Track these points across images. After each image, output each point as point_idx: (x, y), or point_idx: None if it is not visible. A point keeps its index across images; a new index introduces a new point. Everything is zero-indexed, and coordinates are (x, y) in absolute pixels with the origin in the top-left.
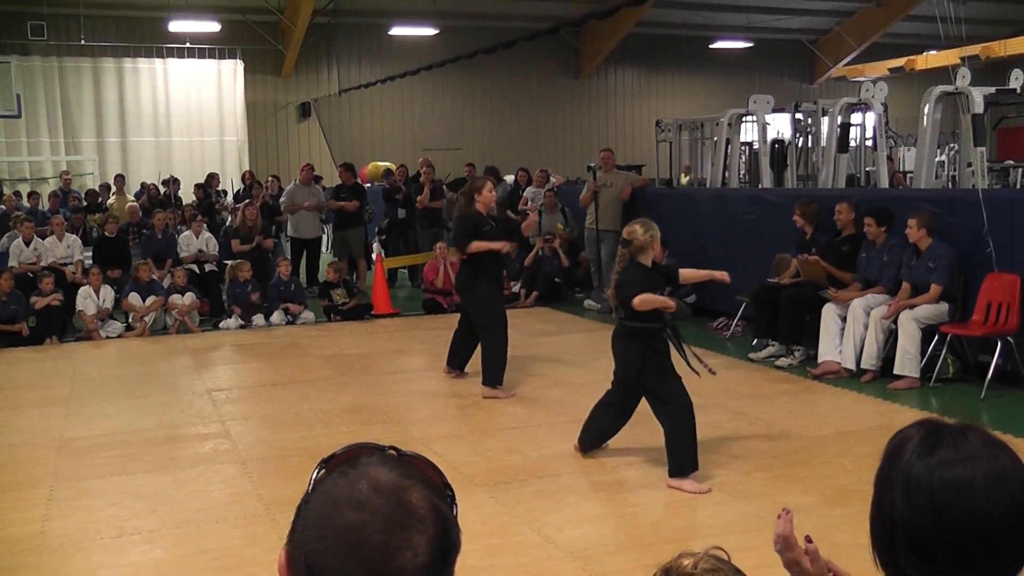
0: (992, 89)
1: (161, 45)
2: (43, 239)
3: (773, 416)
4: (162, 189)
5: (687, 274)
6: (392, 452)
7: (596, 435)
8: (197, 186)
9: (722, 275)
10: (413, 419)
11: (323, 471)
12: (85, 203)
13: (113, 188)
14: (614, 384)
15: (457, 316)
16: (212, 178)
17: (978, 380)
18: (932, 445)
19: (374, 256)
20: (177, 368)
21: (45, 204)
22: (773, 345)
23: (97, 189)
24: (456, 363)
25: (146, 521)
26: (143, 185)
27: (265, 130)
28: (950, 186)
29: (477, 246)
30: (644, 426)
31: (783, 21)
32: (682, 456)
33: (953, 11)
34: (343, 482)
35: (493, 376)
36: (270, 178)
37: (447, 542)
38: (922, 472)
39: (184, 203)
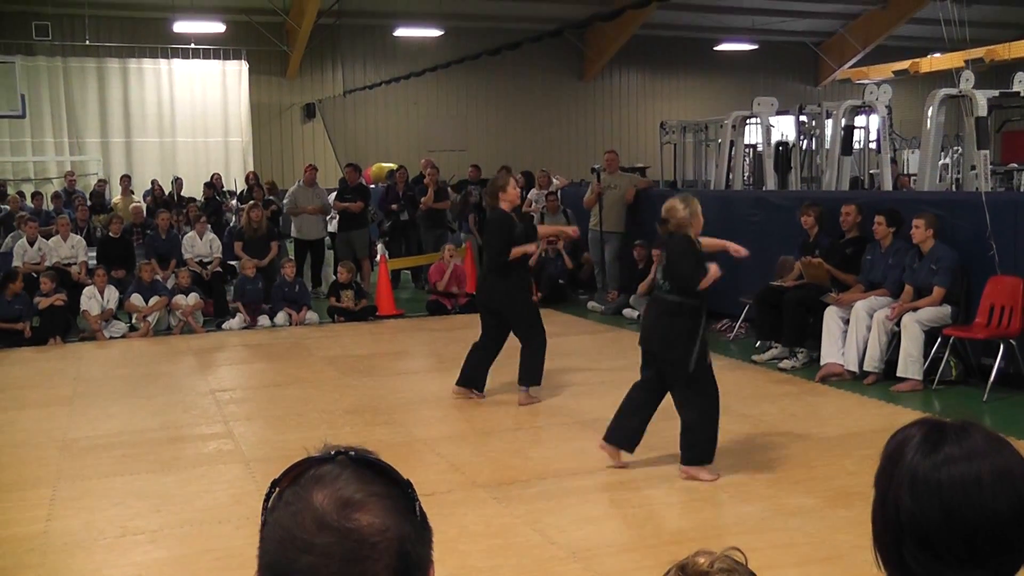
0: (996, 92)
1: (166, 46)
2: (47, 239)
3: (776, 418)
4: (167, 190)
5: (707, 242)
6: (342, 457)
7: (638, 426)
8: (206, 185)
9: (738, 249)
10: (416, 420)
11: (275, 492)
12: (89, 203)
13: (119, 188)
14: (651, 367)
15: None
16: (216, 178)
17: (981, 383)
18: (936, 442)
19: (378, 257)
20: (181, 368)
21: (49, 204)
22: (776, 347)
23: (99, 188)
24: (474, 383)
25: (149, 521)
26: (153, 182)
27: (270, 131)
28: (953, 189)
29: (517, 252)
30: (649, 425)
31: (788, 23)
32: (704, 446)
33: (957, 14)
34: (287, 517)
35: (535, 375)
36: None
37: (407, 559)
38: (928, 470)
39: (188, 203)
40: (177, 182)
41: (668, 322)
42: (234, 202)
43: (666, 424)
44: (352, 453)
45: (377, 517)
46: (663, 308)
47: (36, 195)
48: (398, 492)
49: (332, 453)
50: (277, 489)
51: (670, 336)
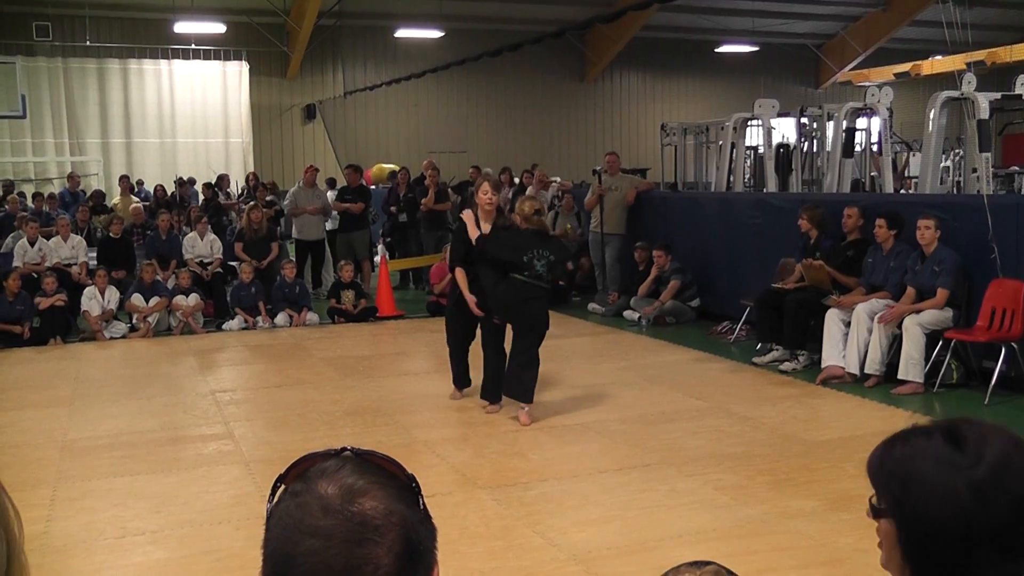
0: (998, 95)
1: (166, 46)
2: (48, 240)
3: (776, 420)
4: (169, 190)
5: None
6: (347, 453)
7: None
8: (206, 186)
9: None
10: (416, 422)
11: (281, 488)
12: (90, 203)
13: (118, 189)
14: (528, 335)
15: None
16: (223, 179)
17: (982, 386)
18: (957, 442)
19: (378, 258)
20: (181, 369)
21: (45, 206)
22: (777, 350)
23: (103, 190)
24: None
25: (149, 522)
26: (157, 187)
27: (270, 132)
28: (955, 191)
29: (460, 278)
30: (650, 428)
31: (789, 25)
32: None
33: (959, 16)
34: (293, 506)
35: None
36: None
37: (410, 544)
38: (984, 473)
39: (192, 204)
40: (182, 184)
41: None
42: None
43: (668, 425)
44: (356, 450)
45: (381, 502)
46: (541, 292)
47: (36, 196)
48: (402, 485)
49: (336, 449)
50: (282, 485)
51: (546, 313)
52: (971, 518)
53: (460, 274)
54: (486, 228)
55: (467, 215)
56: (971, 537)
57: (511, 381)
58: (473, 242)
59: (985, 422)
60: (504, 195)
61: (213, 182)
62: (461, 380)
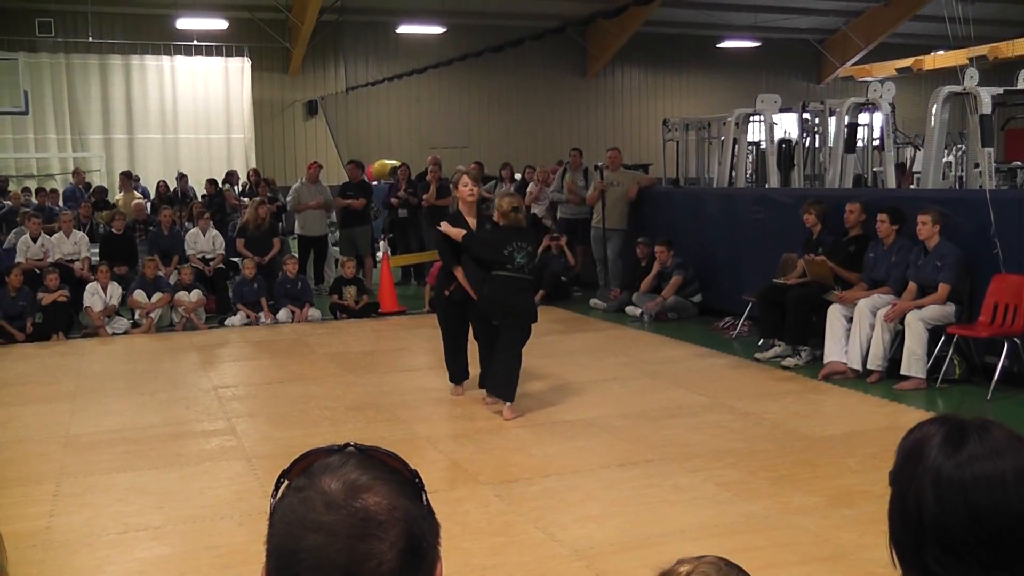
0: (1000, 90)
1: (168, 42)
2: (50, 235)
3: (779, 416)
4: (172, 186)
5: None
6: (351, 449)
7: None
8: (209, 182)
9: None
10: (418, 417)
11: (284, 483)
12: (92, 199)
13: (119, 185)
14: (516, 329)
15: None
16: (232, 176)
17: (984, 381)
18: (958, 441)
19: (380, 254)
20: (183, 365)
21: (38, 199)
22: (779, 345)
23: (105, 185)
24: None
25: (152, 517)
26: (159, 183)
27: (272, 128)
28: (957, 187)
29: (464, 282)
30: (652, 423)
31: (791, 21)
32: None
33: (961, 11)
34: (297, 502)
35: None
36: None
37: (413, 539)
38: (952, 470)
39: (193, 200)
40: (182, 178)
41: (529, 295)
42: (245, 199)
43: (670, 421)
44: (359, 445)
45: (385, 498)
46: (526, 284)
47: (39, 191)
48: (405, 480)
49: (339, 445)
50: (286, 481)
51: (532, 303)
52: (923, 509)
53: (461, 273)
54: (471, 221)
55: (445, 227)
56: (922, 529)
57: (496, 378)
58: (460, 239)
59: (1009, 433)
60: (505, 190)
61: (221, 180)
62: (458, 375)
